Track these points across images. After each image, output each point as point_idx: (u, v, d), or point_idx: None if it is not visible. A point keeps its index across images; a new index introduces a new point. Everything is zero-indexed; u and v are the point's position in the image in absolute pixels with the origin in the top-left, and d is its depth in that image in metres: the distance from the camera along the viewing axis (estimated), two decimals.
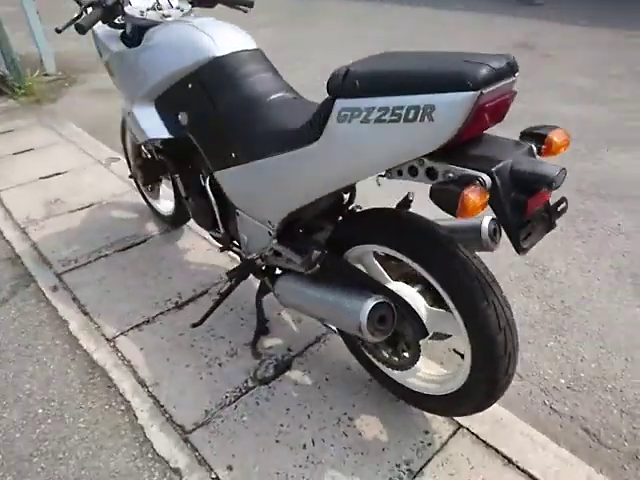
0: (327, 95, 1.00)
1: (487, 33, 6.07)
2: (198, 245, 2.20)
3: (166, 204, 2.30)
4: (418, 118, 0.85)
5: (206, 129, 1.41)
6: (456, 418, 1.38)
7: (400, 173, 0.97)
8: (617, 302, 1.86)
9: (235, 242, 1.60)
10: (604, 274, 2.01)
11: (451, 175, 0.88)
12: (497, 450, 1.31)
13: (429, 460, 1.29)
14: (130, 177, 2.23)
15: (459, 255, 1.02)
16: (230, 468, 1.28)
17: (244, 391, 1.49)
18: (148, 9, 1.57)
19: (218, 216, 1.57)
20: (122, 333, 1.72)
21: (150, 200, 2.35)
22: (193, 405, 1.45)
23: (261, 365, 1.58)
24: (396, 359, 1.25)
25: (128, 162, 2.38)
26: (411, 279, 1.22)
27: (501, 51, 0.93)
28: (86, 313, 1.81)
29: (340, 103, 0.96)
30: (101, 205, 2.53)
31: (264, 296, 1.64)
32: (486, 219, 1.21)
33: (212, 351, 1.64)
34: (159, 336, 1.70)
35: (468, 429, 1.36)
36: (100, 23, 1.58)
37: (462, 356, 1.19)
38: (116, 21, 1.62)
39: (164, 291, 1.92)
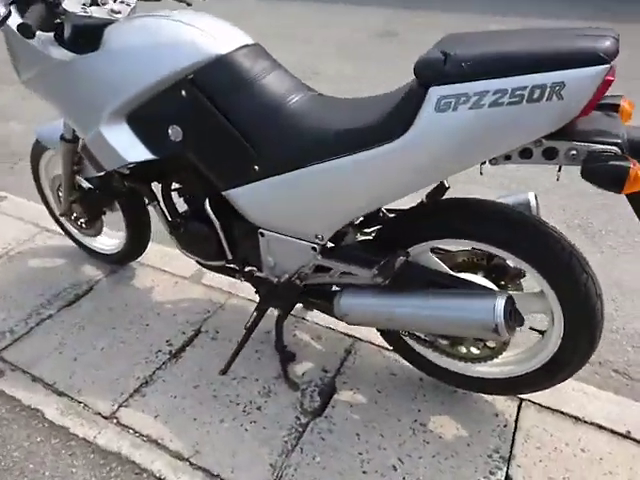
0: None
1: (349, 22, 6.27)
2: (161, 280, 1.89)
3: (107, 240, 1.94)
4: (545, 97, 0.81)
5: (211, 143, 1.19)
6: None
7: (508, 157, 0.92)
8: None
9: (250, 268, 1.40)
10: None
11: (574, 153, 0.86)
12: (562, 412, 1.36)
13: (513, 441, 1.29)
14: (61, 216, 1.82)
15: (550, 232, 1.01)
16: None
17: (301, 429, 1.33)
18: (89, 4, 1.27)
19: (225, 242, 1.36)
20: (121, 405, 1.40)
21: (83, 239, 1.95)
22: (253, 463, 1.25)
23: (304, 396, 1.43)
24: (477, 351, 1.21)
25: (45, 200, 1.95)
26: (469, 268, 1.19)
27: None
28: (61, 393, 1.44)
29: (437, 91, 0.87)
30: (10, 256, 2.03)
31: (285, 320, 1.48)
32: (530, 194, 1.22)
33: (242, 396, 1.43)
34: (169, 395, 1.43)
35: (530, 400, 1.39)
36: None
37: (542, 333, 1.20)
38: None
39: (148, 342, 1.61)
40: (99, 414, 1.38)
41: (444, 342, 1.24)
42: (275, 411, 1.38)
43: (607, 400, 1.40)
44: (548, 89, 0.80)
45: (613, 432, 1.30)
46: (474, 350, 1.23)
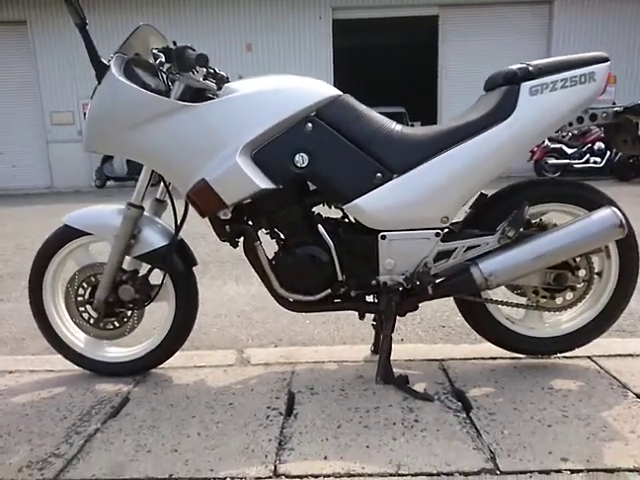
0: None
1: None
2: (205, 373, 1.66)
3: (128, 346, 1.66)
4: (587, 80, 1.36)
5: (336, 161, 1.39)
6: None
7: (571, 124, 1.40)
8: None
9: (358, 290, 1.48)
10: None
11: (605, 114, 1.40)
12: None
13: None
14: (96, 311, 1.54)
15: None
16: None
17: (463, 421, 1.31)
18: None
19: (337, 261, 1.44)
20: (276, 462, 1.15)
21: (94, 351, 1.63)
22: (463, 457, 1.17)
23: (444, 401, 1.41)
24: (570, 296, 1.50)
25: (38, 309, 1.62)
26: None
27: None
28: None
29: (527, 84, 1.35)
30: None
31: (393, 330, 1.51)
32: None
33: (392, 417, 1.33)
34: (319, 440, 1.24)
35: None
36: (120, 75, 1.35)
37: (599, 274, 1.57)
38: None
39: (247, 413, 1.38)
40: (260, 478, 1.10)
41: (544, 297, 1.51)
42: (433, 417, 1.33)
43: None
44: (587, 75, 1.36)
45: None
46: (569, 296, 1.51)
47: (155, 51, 1.35)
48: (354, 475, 1.11)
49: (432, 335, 2.10)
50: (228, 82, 1.45)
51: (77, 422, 1.38)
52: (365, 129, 1.42)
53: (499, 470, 1.11)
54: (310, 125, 1.39)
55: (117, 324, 1.60)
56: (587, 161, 8.44)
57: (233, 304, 2.58)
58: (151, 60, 1.47)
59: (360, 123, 1.42)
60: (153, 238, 1.53)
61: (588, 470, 1.10)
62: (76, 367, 1.68)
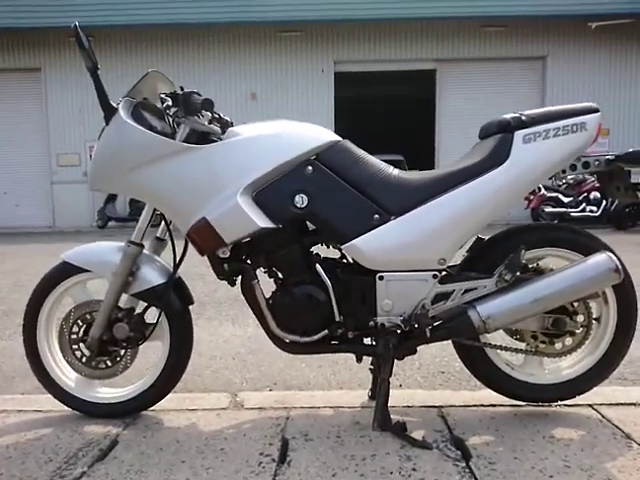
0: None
1: None
2: (197, 416, 1.61)
3: (119, 387, 1.63)
4: (579, 129, 1.40)
5: (335, 202, 1.42)
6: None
7: (564, 171, 1.44)
8: None
9: (356, 332, 1.47)
10: None
11: (598, 162, 1.44)
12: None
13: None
14: (89, 349, 1.53)
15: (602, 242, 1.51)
16: None
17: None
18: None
19: (335, 301, 1.43)
20: None
21: (85, 391, 1.60)
22: None
23: (443, 449, 1.37)
24: (570, 342, 1.49)
25: (31, 346, 1.60)
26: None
27: None
28: None
29: (520, 133, 1.40)
30: None
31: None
32: None
33: (389, 466, 1.29)
34: None
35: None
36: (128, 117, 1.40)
37: (598, 320, 1.56)
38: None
39: (238, 460, 1.34)
40: None
41: (543, 343, 1.49)
42: (431, 466, 1.28)
43: None
44: (579, 125, 1.41)
45: None
46: (567, 341, 1.50)
47: (162, 95, 1.41)
48: None
49: (431, 381, 2.06)
50: (232, 127, 1.51)
51: (62, 465, 1.33)
52: (363, 172, 1.45)
53: None
54: (310, 168, 1.42)
55: (110, 363, 1.57)
56: (583, 210, 8.56)
57: (228, 346, 2.54)
58: (159, 104, 1.53)
59: (358, 167, 1.46)
60: (151, 276, 1.53)
61: None
62: (65, 408, 1.64)
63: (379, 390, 1.47)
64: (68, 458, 1.37)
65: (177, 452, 1.40)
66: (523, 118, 1.42)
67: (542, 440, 1.42)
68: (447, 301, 1.44)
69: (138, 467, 1.32)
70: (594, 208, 8.56)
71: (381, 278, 1.43)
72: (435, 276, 1.43)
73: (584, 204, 8.59)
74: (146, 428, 1.55)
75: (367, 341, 1.52)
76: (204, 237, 1.39)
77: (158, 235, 1.64)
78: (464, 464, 1.30)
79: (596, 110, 1.45)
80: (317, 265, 1.45)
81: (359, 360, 1.55)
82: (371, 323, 1.46)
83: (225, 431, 1.52)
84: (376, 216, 1.42)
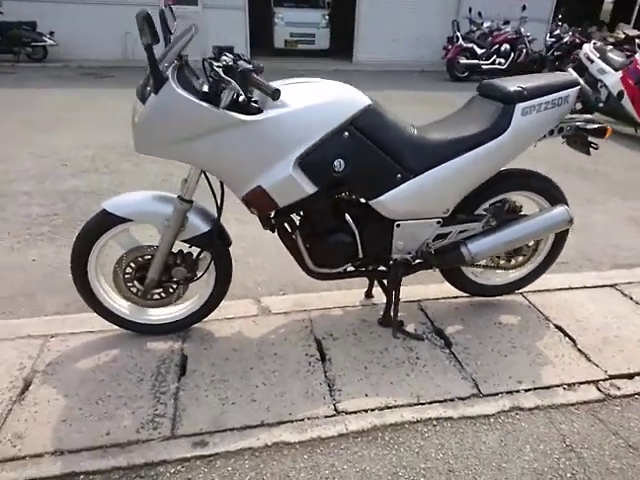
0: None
1: None
2: (241, 324, 1.99)
3: (171, 309, 1.90)
4: (563, 103, 1.71)
5: (366, 165, 1.64)
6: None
7: (545, 136, 1.79)
8: None
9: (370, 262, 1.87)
10: None
11: (569, 128, 1.80)
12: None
13: None
14: (148, 287, 1.76)
15: (550, 180, 1.94)
16: None
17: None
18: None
19: (360, 242, 1.77)
20: (337, 401, 1.60)
21: (141, 316, 1.86)
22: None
23: (431, 339, 1.94)
24: (521, 259, 2.04)
25: (86, 290, 1.77)
26: None
27: None
28: (273, 424, 1.52)
29: (521, 105, 1.67)
30: (40, 377, 1.70)
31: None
32: None
33: (397, 355, 1.83)
34: (357, 380, 1.70)
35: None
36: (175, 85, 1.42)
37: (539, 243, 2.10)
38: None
39: (293, 360, 1.78)
40: (328, 416, 1.55)
41: (503, 261, 2.03)
42: (428, 354, 1.86)
43: None
44: (563, 98, 1.71)
45: None
46: (519, 259, 2.06)
47: (216, 66, 1.40)
48: (391, 407, 1.61)
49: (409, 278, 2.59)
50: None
51: (155, 383, 1.68)
52: (390, 135, 1.66)
53: (482, 393, 1.68)
54: (347, 134, 1.59)
55: (164, 295, 1.82)
56: (493, 62, 9.01)
57: None
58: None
59: (386, 130, 1.65)
60: (199, 224, 1.70)
61: (535, 388, 1.71)
62: (114, 327, 1.89)
63: (387, 301, 1.94)
64: (155, 375, 1.71)
65: (241, 360, 1.80)
66: (525, 93, 1.68)
67: (494, 326, 2.05)
68: (444, 239, 1.86)
69: (219, 377, 1.71)
70: (502, 60, 9.04)
71: (398, 225, 1.77)
72: (439, 222, 1.81)
73: (495, 56, 9.00)
74: (202, 340, 1.90)
75: (380, 268, 1.93)
76: (260, 202, 1.57)
77: (186, 177, 1.75)
78: (448, 351, 1.89)
79: (577, 84, 1.74)
80: (347, 215, 1.74)
81: (371, 283, 1.99)
82: (386, 258, 1.85)
83: (268, 336, 1.93)
84: (399, 175, 1.69)
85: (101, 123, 5.25)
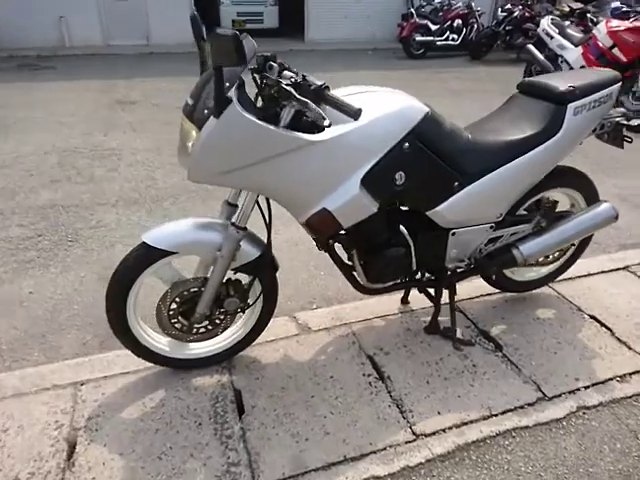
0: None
1: None
2: (285, 345, 1.89)
3: (213, 341, 1.76)
4: (608, 100, 1.71)
5: (426, 176, 1.56)
6: None
7: (594, 130, 1.78)
8: None
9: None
10: None
11: (610, 124, 1.80)
12: None
13: None
14: (194, 323, 1.61)
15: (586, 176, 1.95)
16: None
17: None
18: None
19: (414, 255, 1.71)
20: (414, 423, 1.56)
21: (181, 351, 1.71)
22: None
23: (480, 343, 1.93)
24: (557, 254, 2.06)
25: (123, 329, 1.59)
26: None
27: None
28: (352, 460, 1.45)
29: (572, 105, 1.65)
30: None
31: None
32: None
33: (458, 368, 1.81)
34: (426, 395, 1.66)
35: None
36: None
37: None
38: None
39: (351, 381, 1.71)
40: (409, 441, 1.51)
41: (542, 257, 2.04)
42: (482, 360, 1.84)
43: None
44: (608, 96, 1.70)
45: None
46: (557, 254, 2.07)
47: (284, 83, 1.25)
48: (467, 423, 1.58)
49: None
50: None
51: (217, 426, 1.55)
52: (447, 142, 1.58)
53: (547, 396, 1.69)
54: (407, 144, 1.49)
55: (211, 327, 1.68)
56: (447, 38, 9.06)
57: None
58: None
59: (444, 137, 1.57)
60: (250, 250, 1.57)
61: (593, 385, 1.74)
62: (148, 364, 1.74)
63: (435, 309, 1.90)
64: (214, 417, 1.58)
65: (299, 388, 1.70)
66: (577, 92, 1.65)
67: (534, 323, 2.06)
68: (496, 243, 1.83)
69: (282, 410, 1.61)
70: (455, 36, 9.12)
71: (453, 234, 1.72)
72: (492, 227, 1.77)
73: (448, 32, 9.05)
74: (249, 369, 1.78)
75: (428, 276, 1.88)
76: (324, 225, 1.46)
77: (230, 200, 1.61)
78: (500, 354, 1.89)
79: (619, 80, 1.74)
80: (401, 227, 1.66)
81: (421, 291, 1.95)
82: (440, 267, 1.79)
83: (317, 357, 1.84)
84: (456, 183, 1.62)
85: (56, 122, 4.81)
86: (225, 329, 1.72)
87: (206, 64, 1.48)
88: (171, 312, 1.61)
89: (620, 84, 1.76)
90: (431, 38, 8.97)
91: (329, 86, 1.27)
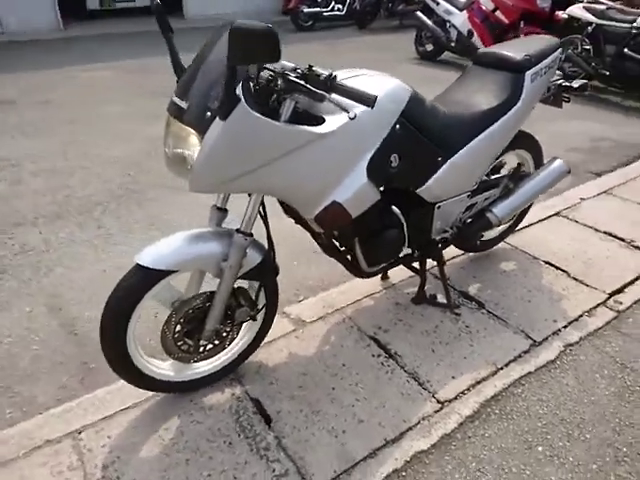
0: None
1: None
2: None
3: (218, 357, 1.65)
4: (554, 65, 1.86)
5: (416, 155, 1.59)
6: None
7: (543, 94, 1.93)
8: None
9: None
10: None
11: (554, 87, 1.96)
12: None
13: None
14: (201, 339, 1.49)
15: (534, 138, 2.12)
16: None
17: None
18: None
19: (407, 233, 1.75)
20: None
21: (186, 374, 1.59)
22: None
23: (465, 304, 2.05)
24: None
25: (123, 359, 1.43)
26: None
27: None
28: None
29: (529, 72, 1.77)
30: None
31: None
32: None
33: (454, 332, 1.91)
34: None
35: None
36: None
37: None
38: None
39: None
40: (437, 411, 1.57)
41: None
42: (471, 320, 1.96)
43: None
44: (556, 60, 1.86)
45: None
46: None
47: (288, 75, 1.16)
48: (481, 381, 1.69)
49: None
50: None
51: (249, 441, 1.47)
52: (430, 120, 1.61)
53: (536, 342, 1.86)
54: (398, 126, 1.50)
55: (218, 342, 1.57)
56: (332, 9, 9.10)
57: None
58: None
59: (427, 115, 1.60)
60: (254, 255, 1.48)
61: (569, 323, 1.95)
62: (149, 393, 1.60)
63: (421, 281, 1.97)
64: (242, 433, 1.50)
65: (317, 383, 1.67)
66: (532, 60, 1.77)
67: (502, 276, 2.24)
68: (472, 209, 1.93)
69: (308, 409, 1.58)
70: (340, 6, 9.19)
71: (438, 207, 1.78)
72: (469, 195, 1.86)
73: (333, 2, 9.09)
74: (259, 375, 1.71)
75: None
76: (335, 218, 1.42)
77: (219, 205, 1.50)
78: (484, 310, 2.02)
79: (560, 45, 1.90)
80: (394, 208, 1.68)
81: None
82: (427, 240, 1.85)
83: (321, 348, 1.82)
84: (439, 159, 1.67)
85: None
86: (232, 341, 1.62)
87: (180, 63, 1.33)
88: (176, 335, 1.47)
89: (562, 49, 1.92)
90: (318, 9, 8.95)
91: (336, 75, 1.22)
